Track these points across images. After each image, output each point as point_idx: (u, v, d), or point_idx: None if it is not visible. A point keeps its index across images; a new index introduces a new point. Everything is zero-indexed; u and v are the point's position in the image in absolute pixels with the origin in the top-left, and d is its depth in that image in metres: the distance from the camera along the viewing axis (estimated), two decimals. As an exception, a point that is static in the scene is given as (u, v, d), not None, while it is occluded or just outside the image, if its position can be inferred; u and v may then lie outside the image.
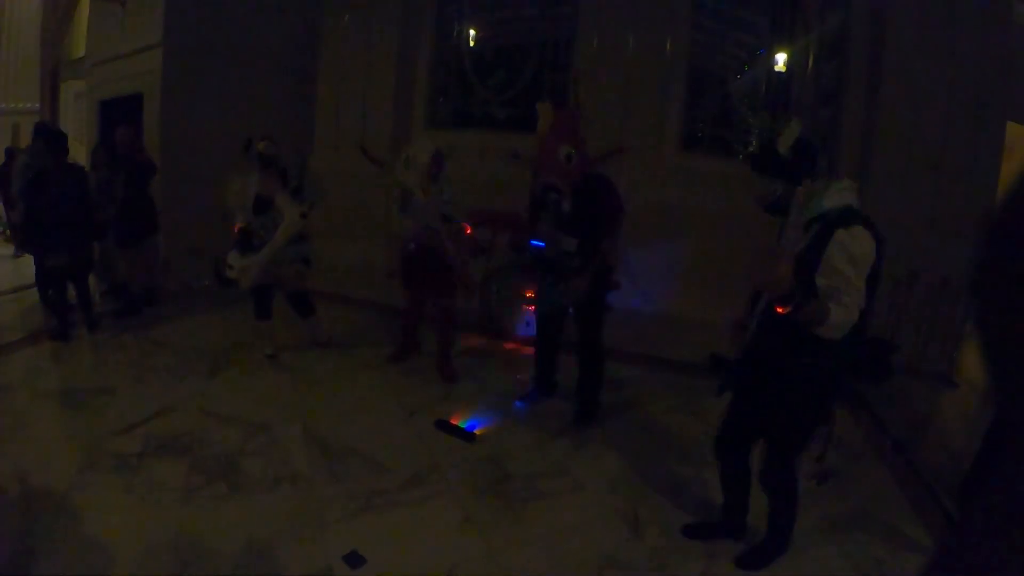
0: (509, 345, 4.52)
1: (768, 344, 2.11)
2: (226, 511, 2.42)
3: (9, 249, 6.76)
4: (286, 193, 3.77)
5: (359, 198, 3.96)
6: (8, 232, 7.18)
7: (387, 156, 3.54)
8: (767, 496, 2.33)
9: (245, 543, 2.23)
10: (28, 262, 4.87)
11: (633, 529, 2.56)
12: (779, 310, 1.80)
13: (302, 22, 6.44)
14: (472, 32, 6.24)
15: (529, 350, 3.86)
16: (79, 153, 5.91)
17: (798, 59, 5.57)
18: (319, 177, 3.93)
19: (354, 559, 2.18)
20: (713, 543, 2.48)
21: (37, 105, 8.65)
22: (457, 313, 3.95)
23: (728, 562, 2.38)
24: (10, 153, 7.36)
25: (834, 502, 2.95)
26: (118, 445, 2.81)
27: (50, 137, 4.18)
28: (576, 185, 3.18)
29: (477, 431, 3.25)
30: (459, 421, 3.33)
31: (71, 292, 4.24)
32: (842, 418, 4.07)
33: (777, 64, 5.56)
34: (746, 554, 2.41)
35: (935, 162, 5.06)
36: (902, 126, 5.09)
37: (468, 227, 3.73)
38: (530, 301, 3.90)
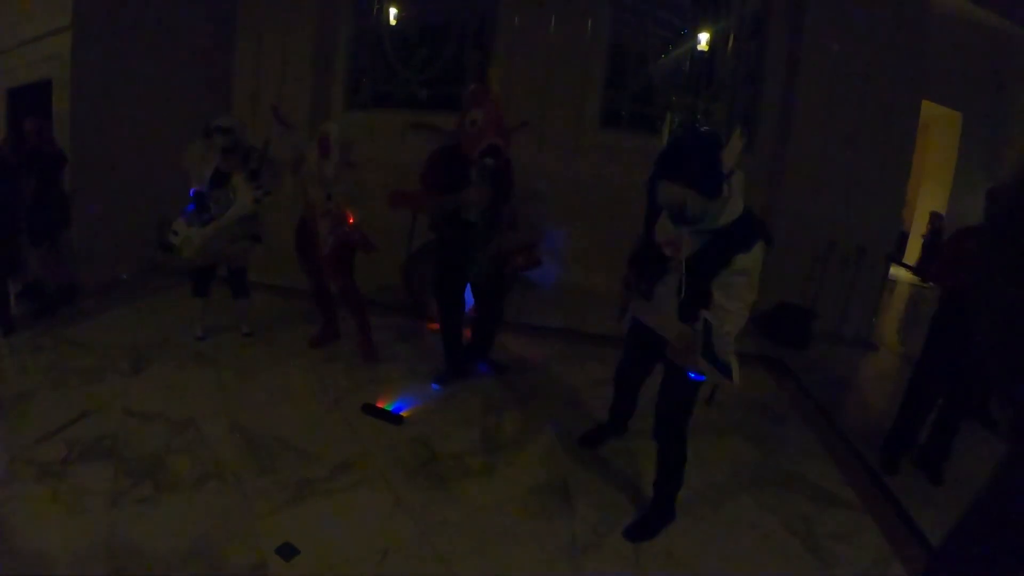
0: (433, 326, 4.52)
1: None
2: (155, 512, 2.35)
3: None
4: (244, 174, 3.73)
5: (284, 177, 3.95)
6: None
7: (295, 120, 3.59)
8: (659, 449, 2.44)
9: (176, 543, 2.18)
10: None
11: (564, 501, 2.63)
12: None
13: (218, 3, 6.20)
14: (392, 11, 6.14)
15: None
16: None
17: (720, 39, 5.72)
18: (279, 164, 3.86)
19: (287, 551, 2.17)
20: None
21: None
22: (357, 291, 3.93)
23: (661, 531, 2.46)
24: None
25: (761, 463, 3.12)
26: (40, 453, 2.68)
27: None
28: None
29: (404, 413, 3.26)
30: (385, 404, 3.34)
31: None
32: (768, 385, 4.31)
33: (699, 43, 5.70)
34: (633, 525, 2.47)
35: (852, 138, 5.29)
36: (820, 104, 5.31)
37: (351, 216, 3.72)
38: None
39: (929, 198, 9.54)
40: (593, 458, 3.00)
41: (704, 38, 5.71)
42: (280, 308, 4.85)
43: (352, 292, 3.89)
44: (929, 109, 7.02)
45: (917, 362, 3.16)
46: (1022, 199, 0.75)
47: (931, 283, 3.11)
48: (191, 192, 3.76)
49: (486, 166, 3.16)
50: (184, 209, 3.75)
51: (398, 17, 6.17)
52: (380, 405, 3.31)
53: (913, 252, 9.65)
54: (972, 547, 0.85)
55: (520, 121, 3.51)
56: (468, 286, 3.58)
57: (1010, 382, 0.71)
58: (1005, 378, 0.72)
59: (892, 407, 3.29)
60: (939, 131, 9.18)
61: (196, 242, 3.69)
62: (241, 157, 3.76)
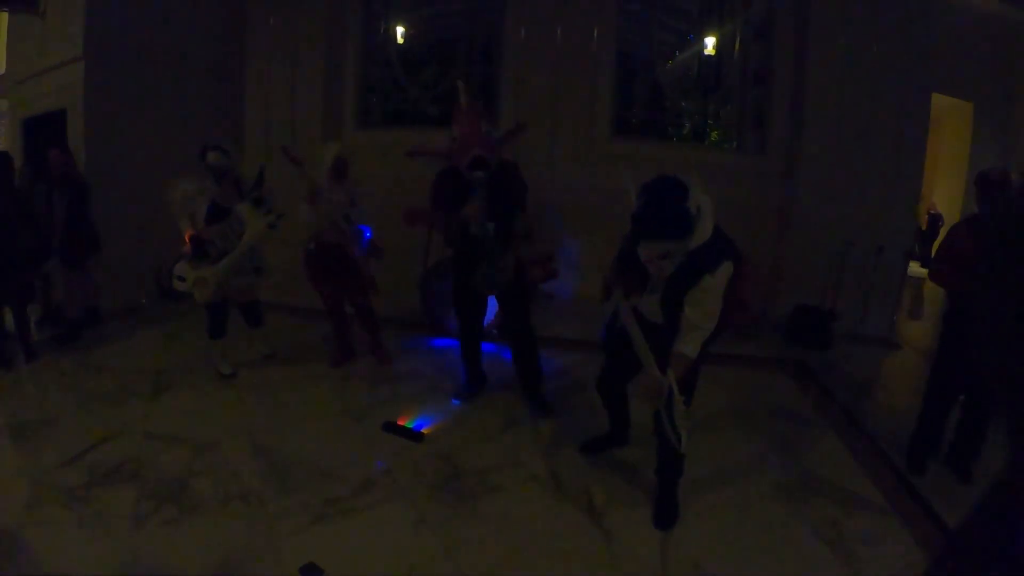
0: (450, 342, 4.54)
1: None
2: (179, 534, 2.36)
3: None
4: (247, 203, 3.63)
5: (291, 203, 3.97)
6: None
7: (305, 156, 3.63)
8: (660, 441, 2.53)
9: (201, 565, 2.18)
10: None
11: (588, 514, 2.60)
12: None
13: (227, 28, 6.29)
14: (400, 29, 6.21)
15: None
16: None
17: (726, 42, 5.71)
18: (275, 188, 3.83)
19: (311, 571, 2.16)
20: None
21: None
22: (372, 305, 4.02)
23: (687, 540, 2.44)
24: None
25: (786, 468, 3.06)
26: (64, 477, 2.70)
27: None
28: (493, 170, 3.24)
29: (425, 430, 3.25)
30: (406, 422, 3.33)
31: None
32: (790, 387, 4.25)
33: (706, 48, 5.69)
34: (658, 516, 2.58)
35: (863, 135, 5.24)
36: (830, 102, 5.26)
37: (370, 231, 3.80)
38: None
39: (944, 191, 9.41)
40: (618, 471, 2.96)
41: (711, 42, 5.70)
42: (297, 329, 4.87)
43: (370, 304, 4.00)
44: (939, 101, 6.94)
45: (934, 361, 3.11)
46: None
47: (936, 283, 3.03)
48: (189, 239, 3.61)
49: (476, 179, 3.16)
50: (185, 252, 3.64)
51: (406, 35, 6.23)
52: (401, 423, 3.31)
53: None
54: (982, 540, 0.83)
55: (515, 124, 3.49)
56: (493, 299, 3.55)
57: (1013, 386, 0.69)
58: (1006, 383, 0.70)
59: (916, 406, 3.23)
60: (951, 123, 9.07)
61: (211, 281, 3.59)
62: (235, 185, 3.70)
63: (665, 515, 2.57)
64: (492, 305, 3.67)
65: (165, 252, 3.82)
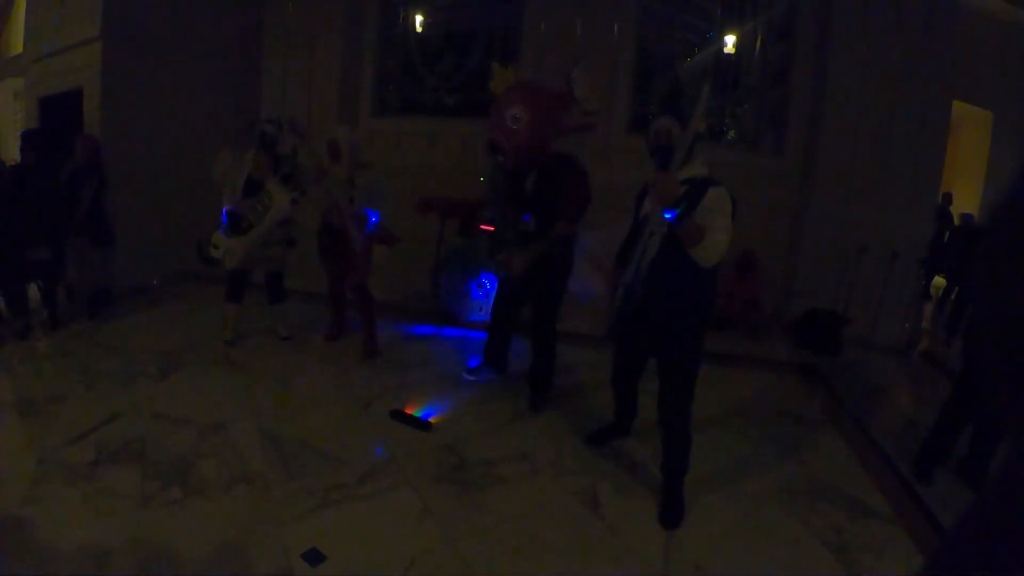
0: (460, 332, 4.53)
1: (655, 285, 2.44)
2: (183, 515, 2.37)
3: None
4: (277, 178, 3.87)
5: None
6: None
7: (308, 130, 3.78)
8: (665, 436, 2.58)
9: (203, 546, 2.19)
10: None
11: (592, 510, 2.59)
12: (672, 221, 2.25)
13: (245, 11, 6.29)
14: (418, 18, 6.18)
15: (480, 337, 3.98)
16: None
17: (746, 41, 5.65)
18: (307, 168, 3.97)
19: (314, 556, 2.16)
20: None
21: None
22: (369, 292, 4.01)
23: (690, 540, 2.43)
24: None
25: (792, 473, 3.04)
26: (70, 454, 2.72)
27: (31, 135, 4.36)
28: (543, 163, 3.22)
29: (432, 419, 3.25)
30: (414, 410, 3.33)
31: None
32: (799, 392, 4.22)
33: (726, 46, 5.64)
34: (664, 514, 2.57)
35: (882, 140, 5.18)
36: (849, 105, 5.20)
37: (377, 215, 3.81)
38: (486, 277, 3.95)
39: (961, 199, 9.31)
40: (624, 466, 2.95)
41: (731, 40, 5.65)
42: (309, 313, 4.87)
43: (367, 289, 3.99)
44: (960, 109, 6.86)
45: (960, 374, 3.04)
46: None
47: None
48: (224, 211, 3.88)
49: (496, 163, 3.16)
50: (220, 224, 3.89)
51: (424, 24, 6.21)
52: (408, 411, 3.31)
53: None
54: (976, 541, 0.81)
55: (583, 119, 3.45)
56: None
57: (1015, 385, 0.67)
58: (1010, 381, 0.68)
59: (926, 415, 3.19)
60: (970, 131, 8.98)
61: (239, 251, 3.85)
62: (272, 162, 3.89)
63: (671, 512, 2.56)
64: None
65: (184, 229, 3.95)
